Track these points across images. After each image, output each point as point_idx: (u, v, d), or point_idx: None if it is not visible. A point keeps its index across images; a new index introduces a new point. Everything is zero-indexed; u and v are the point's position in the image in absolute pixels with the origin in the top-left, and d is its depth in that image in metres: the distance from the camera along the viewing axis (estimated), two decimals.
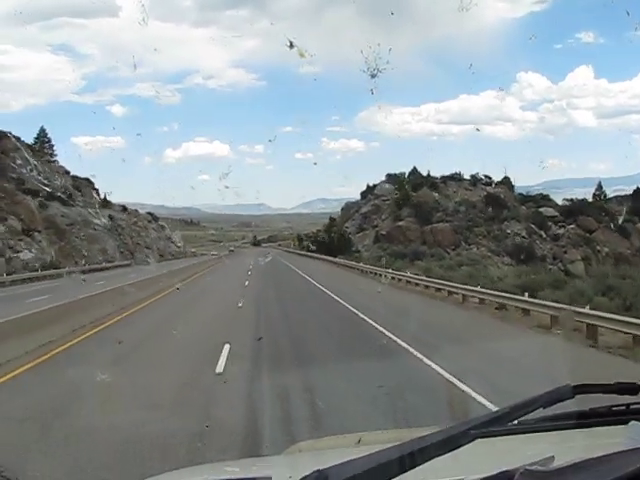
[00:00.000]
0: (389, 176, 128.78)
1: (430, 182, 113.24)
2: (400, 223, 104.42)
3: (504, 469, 1.40)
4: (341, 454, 1.52)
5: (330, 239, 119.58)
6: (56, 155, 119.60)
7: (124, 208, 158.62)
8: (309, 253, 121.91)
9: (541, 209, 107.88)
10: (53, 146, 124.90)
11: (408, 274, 49.69)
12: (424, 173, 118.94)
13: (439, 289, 38.81)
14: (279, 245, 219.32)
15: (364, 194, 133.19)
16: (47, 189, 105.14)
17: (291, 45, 11.30)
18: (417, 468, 1.42)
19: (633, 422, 1.89)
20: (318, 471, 1.33)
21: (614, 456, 1.38)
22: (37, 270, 70.75)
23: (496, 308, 28.48)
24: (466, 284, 36.33)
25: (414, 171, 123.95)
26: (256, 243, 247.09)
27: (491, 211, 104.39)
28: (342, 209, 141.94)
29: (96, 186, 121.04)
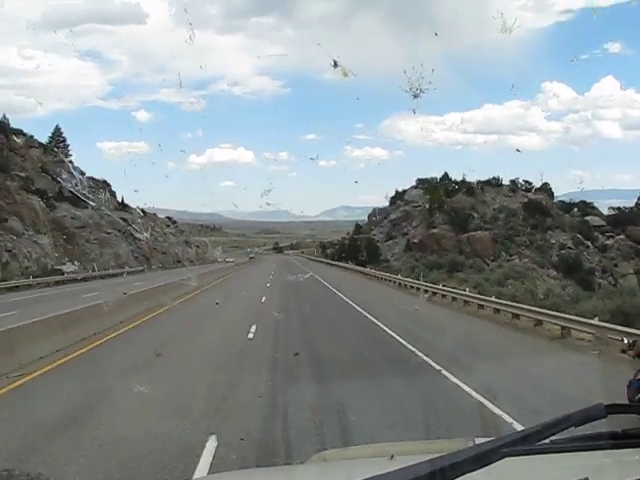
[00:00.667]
0: (420, 181, 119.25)
1: (466, 187, 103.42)
2: (434, 231, 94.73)
3: None
4: (369, 466, 1.50)
5: (356, 247, 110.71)
6: (71, 155, 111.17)
7: (143, 212, 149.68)
8: (334, 262, 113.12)
9: (587, 218, 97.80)
10: (68, 146, 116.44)
11: (456, 290, 40.12)
12: (456, 179, 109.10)
13: (497, 310, 30.19)
14: (302, 252, 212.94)
15: (393, 200, 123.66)
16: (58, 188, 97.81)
17: (335, 64, 11.39)
18: None
19: None
20: None
21: None
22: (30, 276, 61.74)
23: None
24: (539, 306, 27.83)
25: (445, 177, 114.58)
26: (278, 250, 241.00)
27: (533, 219, 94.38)
28: (369, 216, 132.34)
29: (113, 189, 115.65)
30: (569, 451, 2.06)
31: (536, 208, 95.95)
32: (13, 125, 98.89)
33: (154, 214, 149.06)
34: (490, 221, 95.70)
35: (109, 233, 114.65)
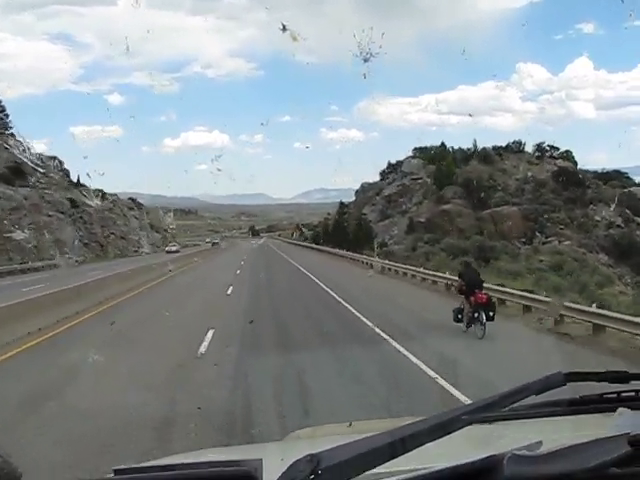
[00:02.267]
0: (418, 150, 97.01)
1: (482, 155, 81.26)
2: (446, 207, 72.89)
3: (492, 454, 1.38)
4: (335, 441, 1.44)
5: (343, 229, 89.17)
6: (12, 128, 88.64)
7: (102, 193, 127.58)
8: (315, 245, 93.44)
9: (629, 189, 76.03)
10: (8, 116, 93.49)
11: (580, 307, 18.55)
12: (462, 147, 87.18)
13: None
14: (279, 235, 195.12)
15: (384, 174, 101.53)
16: None
17: (284, 28, 11.70)
18: (408, 454, 1.42)
19: (621, 409, 1.87)
20: (310, 455, 1.31)
21: (600, 442, 1.38)
22: None
23: None
24: None
25: (442, 146, 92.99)
26: (254, 233, 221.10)
27: (567, 191, 72.56)
28: (356, 192, 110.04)
29: (65, 166, 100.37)
30: (528, 417, 2.08)
31: (570, 178, 74.20)
32: None
33: (115, 195, 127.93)
34: (515, 194, 73.88)
35: (50, 216, 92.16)
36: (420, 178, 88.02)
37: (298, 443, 2.93)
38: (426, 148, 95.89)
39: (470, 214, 71.34)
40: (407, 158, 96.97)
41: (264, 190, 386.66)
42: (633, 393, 2.07)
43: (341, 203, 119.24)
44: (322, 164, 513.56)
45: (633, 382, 2.08)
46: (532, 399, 1.89)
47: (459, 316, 17.02)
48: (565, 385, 1.89)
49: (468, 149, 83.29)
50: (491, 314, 16.42)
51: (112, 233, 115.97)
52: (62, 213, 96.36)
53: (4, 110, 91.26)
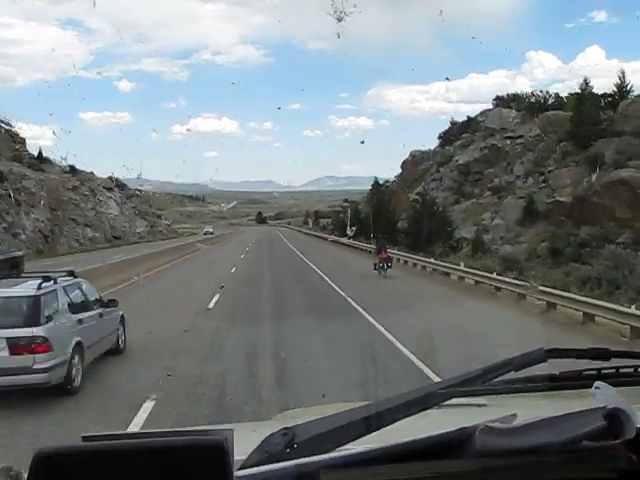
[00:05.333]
0: (500, 100, 59.79)
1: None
2: (624, 174, 34.99)
3: (465, 426, 1.35)
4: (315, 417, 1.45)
5: (387, 217, 53.90)
6: None
7: (72, 169, 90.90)
8: (344, 240, 58.56)
9: None
10: None
11: None
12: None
13: None
14: (289, 224, 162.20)
15: (447, 136, 64.49)
16: None
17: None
18: (385, 429, 1.39)
19: (599, 383, 1.67)
20: (285, 428, 1.29)
21: (574, 415, 1.34)
22: None
23: None
24: None
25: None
26: (261, 220, 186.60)
27: None
28: (403, 164, 72.32)
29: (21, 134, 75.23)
30: (506, 393, 1.96)
31: None
32: None
33: (91, 173, 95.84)
34: None
35: None
36: (520, 136, 50.89)
37: (277, 422, 2.55)
38: (518, 96, 58.62)
39: None
40: (489, 110, 59.80)
41: (273, 177, 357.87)
42: (613, 370, 1.87)
43: (376, 183, 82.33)
44: (332, 152, 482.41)
45: (614, 359, 1.88)
46: (511, 375, 1.75)
47: (374, 266, 28.00)
48: (546, 362, 1.76)
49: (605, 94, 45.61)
50: (389, 264, 27.92)
51: (72, 219, 79.20)
52: None
53: None
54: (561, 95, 53.93)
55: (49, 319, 8.81)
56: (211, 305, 17.75)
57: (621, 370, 1.87)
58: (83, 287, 10.76)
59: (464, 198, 52.35)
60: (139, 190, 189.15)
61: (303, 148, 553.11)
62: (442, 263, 29.40)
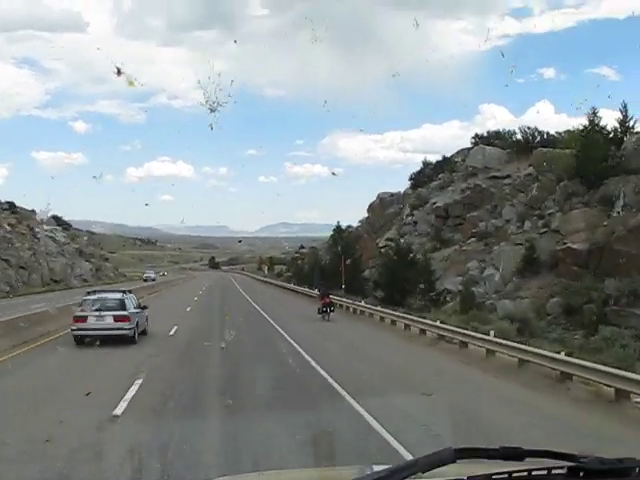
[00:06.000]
0: (480, 138, 53.81)
1: None
2: None
3: None
4: None
5: (353, 263, 47.52)
6: None
7: (10, 206, 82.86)
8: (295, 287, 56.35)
9: None
10: None
11: None
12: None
13: None
14: (243, 269, 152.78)
15: (419, 178, 58.30)
16: None
17: (119, 72, 10.04)
18: None
19: None
20: None
21: None
22: None
23: None
24: None
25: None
26: (214, 265, 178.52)
27: None
28: (369, 208, 65.59)
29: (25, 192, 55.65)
30: None
31: None
32: None
33: (32, 211, 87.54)
34: None
35: None
36: (507, 176, 44.62)
37: None
38: (500, 133, 52.59)
39: None
40: (469, 148, 53.66)
41: (227, 223, 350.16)
42: (525, 473, 1.75)
43: (338, 229, 75.37)
44: (286, 198, 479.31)
45: (528, 459, 1.76)
46: (419, 476, 1.60)
47: (318, 310, 29.60)
48: (455, 462, 1.64)
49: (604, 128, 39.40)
50: (332, 309, 29.67)
51: (4, 260, 70.72)
52: None
53: None
54: (552, 133, 47.84)
55: (127, 308, 19.25)
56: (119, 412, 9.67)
57: (534, 473, 1.69)
58: (134, 297, 21.25)
59: (443, 245, 45.64)
60: (91, 232, 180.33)
61: (258, 194, 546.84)
62: (444, 325, 21.82)
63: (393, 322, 26.57)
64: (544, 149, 41.26)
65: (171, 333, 21.57)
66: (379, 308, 29.97)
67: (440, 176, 53.85)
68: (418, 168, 60.72)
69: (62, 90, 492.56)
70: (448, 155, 57.86)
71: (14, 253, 70.65)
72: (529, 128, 48.24)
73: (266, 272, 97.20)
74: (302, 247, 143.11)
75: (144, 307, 21.31)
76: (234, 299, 44.37)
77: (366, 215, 68.57)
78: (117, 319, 18.40)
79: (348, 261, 53.77)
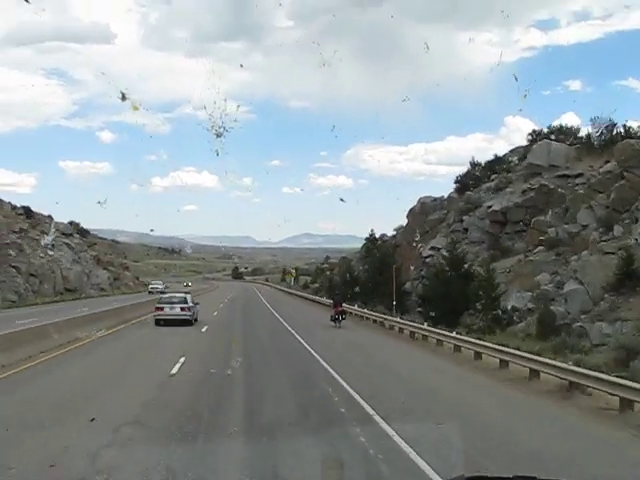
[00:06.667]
0: (537, 135, 46.82)
1: None
2: None
3: None
4: None
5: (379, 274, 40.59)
6: None
7: (26, 210, 76.89)
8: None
9: None
10: None
11: None
12: None
13: None
14: (266, 280, 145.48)
15: (462, 182, 51.36)
16: None
17: (123, 97, 9.86)
18: None
19: None
20: None
21: None
22: None
23: None
24: None
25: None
26: (237, 275, 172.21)
27: None
28: (409, 213, 58.49)
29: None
30: None
31: None
32: None
33: (49, 216, 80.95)
34: None
35: None
36: (579, 174, 37.65)
37: None
38: (563, 128, 45.53)
39: None
40: (529, 145, 46.62)
41: (250, 233, 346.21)
42: None
43: (372, 235, 68.68)
44: (310, 209, 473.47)
45: None
46: None
47: (331, 317, 31.44)
48: None
49: None
50: (344, 317, 31.15)
51: (13, 267, 65.08)
52: None
53: None
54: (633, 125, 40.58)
55: (188, 302, 29.86)
56: None
57: None
58: (191, 296, 32.03)
59: (503, 254, 38.60)
60: (115, 241, 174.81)
61: (282, 205, 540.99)
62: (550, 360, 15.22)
63: (457, 348, 20.76)
64: (632, 140, 34.16)
65: (173, 372, 14.71)
66: (456, 335, 22.17)
67: (493, 177, 46.92)
68: (450, 177, 54.01)
69: (89, 100, 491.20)
70: (500, 155, 50.96)
71: (24, 259, 64.96)
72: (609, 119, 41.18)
73: (292, 283, 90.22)
74: (328, 257, 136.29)
75: (197, 303, 32.31)
76: (260, 316, 37.62)
77: (402, 223, 61.79)
78: (182, 309, 29.34)
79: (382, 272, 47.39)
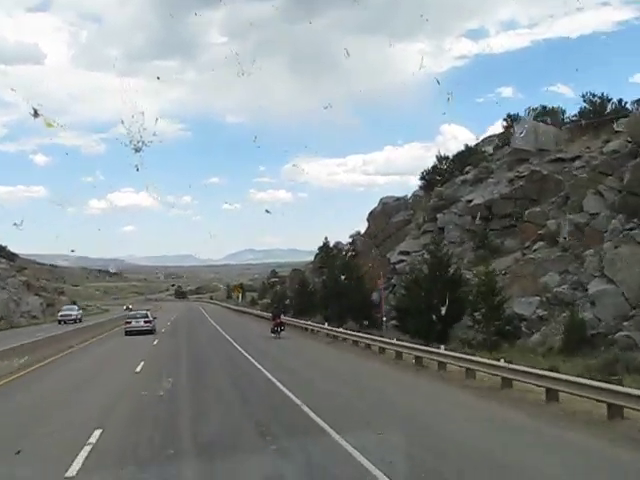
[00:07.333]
0: (512, 119, 41.34)
1: None
2: None
3: None
4: None
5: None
6: None
7: None
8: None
9: None
10: None
11: None
12: None
13: None
14: (211, 298, 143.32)
15: (429, 179, 45.48)
16: None
17: (35, 114, 9.30)
18: None
19: None
20: None
21: None
22: None
23: None
24: None
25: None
26: (181, 295, 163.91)
27: None
28: (370, 216, 52.31)
29: None
30: None
31: None
32: None
33: None
34: None
35: None
36: (577, 157, 32.12)
37: None
38: (547, 109, 40.14)
39: None
40: (502, 133, 41.05)
41: (192, 251, 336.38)
42: None
43: (325, 245, 62.82)
44: (251, 225, 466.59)
45: None
46: None
47: (271, 330, 33.73)
48: None
49: None
50: (282, 328, 33.66)
51: None
52: None
53: None
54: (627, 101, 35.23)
55: (149, 317, 40.63)
56: None
57: None
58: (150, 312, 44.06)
59: (493, 253, 32.63)
60: (54, 265, 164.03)
61: (222, 222, 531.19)
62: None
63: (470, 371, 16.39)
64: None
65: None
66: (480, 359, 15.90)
67: (468, 168, 41.18)
68: (386, 188, 48.17)
69: (20, 123, 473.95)
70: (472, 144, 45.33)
71: None
72: (600, 96, 35.81)
73: (239, 300, 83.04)
74: (275, 272, 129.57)
75: (155, 317, 42.61)
76: (210, 342, 30.83)
77: (358, 229, 55.79)
78: (145, 322, 39.15)
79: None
